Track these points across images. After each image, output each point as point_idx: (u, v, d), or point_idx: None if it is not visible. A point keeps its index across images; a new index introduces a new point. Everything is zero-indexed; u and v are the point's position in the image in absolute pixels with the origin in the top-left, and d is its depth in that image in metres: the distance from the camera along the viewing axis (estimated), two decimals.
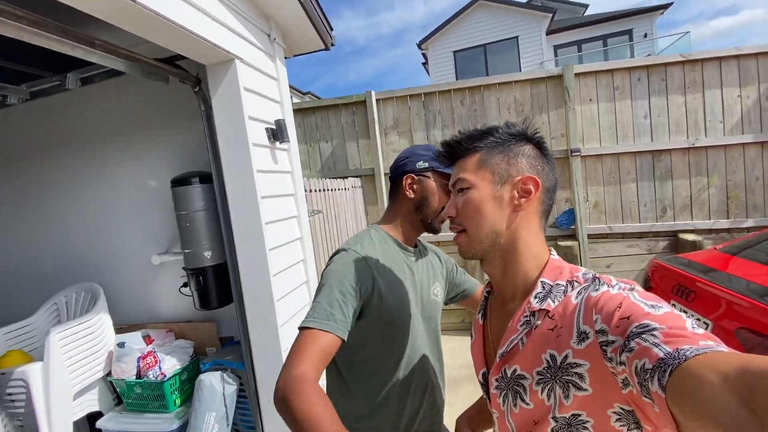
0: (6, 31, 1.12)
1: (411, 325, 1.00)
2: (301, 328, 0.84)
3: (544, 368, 0.59)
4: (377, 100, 3.84)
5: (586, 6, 15.59)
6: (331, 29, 2.59)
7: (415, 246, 1.11)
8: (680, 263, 2.16)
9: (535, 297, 0.63)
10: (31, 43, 1.24)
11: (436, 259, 1.18)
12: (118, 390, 2.28)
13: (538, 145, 0.70)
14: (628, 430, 0.55)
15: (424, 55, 13.88)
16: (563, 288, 0.62)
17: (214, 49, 1.74)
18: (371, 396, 0.98)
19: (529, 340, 0.62)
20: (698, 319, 1.79)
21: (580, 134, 3.55)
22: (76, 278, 2.53)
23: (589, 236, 3.61)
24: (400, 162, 1.08)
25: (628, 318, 0.49)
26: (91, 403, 2.23)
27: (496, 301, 0.76)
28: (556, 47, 12.78)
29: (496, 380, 0.68)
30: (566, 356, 0.56)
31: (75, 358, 2.10)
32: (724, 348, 0.41)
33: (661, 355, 0.42)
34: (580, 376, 0.55)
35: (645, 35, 12.23)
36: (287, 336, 2.02)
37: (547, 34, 12.31)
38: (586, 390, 0.54)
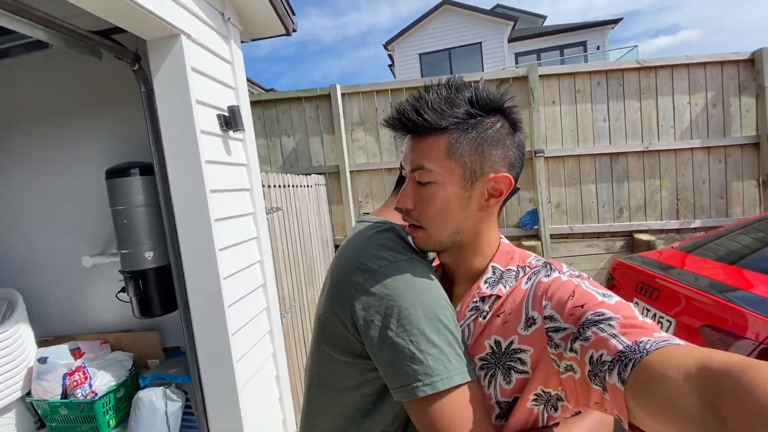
0: None
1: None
2: (432, 395, 0.54)
3: (487, 354, 0.57)
4: (343, 95, 3.69)
5: (544, 17, 16.30)
6: (293, 14, 2.43)
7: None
8: (642, 262, 2.19)
9: (485, 282, 0.61)
10: None
11: None
12: (39, 412, 1.97)
13: (512, 122, 0.61)
14: (537, 410, 0.55)
15: (390, 56, 13.88)
16: (514, 273, 0.61)
17: (156, 22, 1.53)
18: None
19: (476, 327, 0.60)
20: (662, 317, 1.80)
21: (543, 136, 3.60)
22: None
23: (552, 236, 3.66)
24: None
25: (582, 306, 0.48)
26: (7, 428, 1.92)
27: (444, 284, 0.66)
28: (517, 54, 13.23)
29: None
30: (511, 342, 0.55)
31: None
32: (678, 341, 0.41)
33: (621, 347, 0.42)
34: (522, 362, 0.54)
35: (598, 47, 12.95)
36: (240, 345, 1.83)
37: (509, 41, 12.71)
38: (527, 372, 0.54)
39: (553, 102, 3.59)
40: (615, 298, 0.49)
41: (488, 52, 12.54)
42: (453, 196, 0.59)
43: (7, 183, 2.21)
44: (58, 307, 2.24)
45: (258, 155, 3.88)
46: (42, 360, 1.92)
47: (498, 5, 15.93)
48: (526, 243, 3.63)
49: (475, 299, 0.61)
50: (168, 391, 1.90)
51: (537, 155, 3.55)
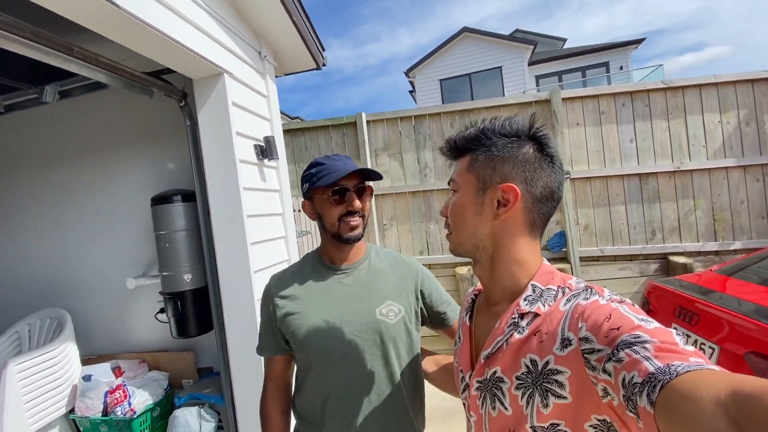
0: None
1: (327, 339, 0.95)
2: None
3: (523, 373, 0.58)
4: (368, 122, 3.82)
5: (564, 40, 16.40)
6: (323, 49, 2.58)
7: (348, 264, 1.05)
8: (679, 285, 2.11)
9: (525, 300, 0.63)
10: (2, 48, 1.16)
11: (396, 277, 1.05)
12: (81, 429, 2.05)
13: (540, 144, 0.65)
14: None
15: (411, 83, 14.24)
16: (554, 293, 0.61)
17: (202, 62, 1.68)
18: (302, 408, 1.04)
19: (512, 342, 0.61)
20: (703, 344, 1.73)
21: (568, 157, 3.59)
22: (42, 303, 2.34)
23: (581, 258, 3.58)
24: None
25: (618, 328, 0.48)
26: None
27: (484, 303, 0.75)
28: (538, 77, 13.29)
29: (478, 382, 0.66)
30: (547, 362, 0.55)
31: (34, 393, 1.90)
32: (714, 367, 0.40)
33: (652, 369, 0.41)
34: (560, 384, 0.54)
35: (621, 67, 12.84)
36: None
37: (529, 64, 12.82)
38: (565, 398, 0.53)
39: (578, 124, 3.59)
40: (654, 324, 0.48)
41: (509, 75, 12.68)
42: (468, 202, 0.67)
43: (59, 210, 2.40)
44: (101, 326, 2.36)
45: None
46: (86, 378, 2.02)
47: (517, 30, 16.20)
48: (554, 266, 3.55)
49: (514, 315, 0.62)
50: (202, 411, 1.95)
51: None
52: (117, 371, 2.14)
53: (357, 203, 0.98)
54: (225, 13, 1.85)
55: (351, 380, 0.95)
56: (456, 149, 0.70)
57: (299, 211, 2.53)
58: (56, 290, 2.37)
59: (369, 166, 3.76)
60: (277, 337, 1.02)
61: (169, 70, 1.84)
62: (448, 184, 0.73)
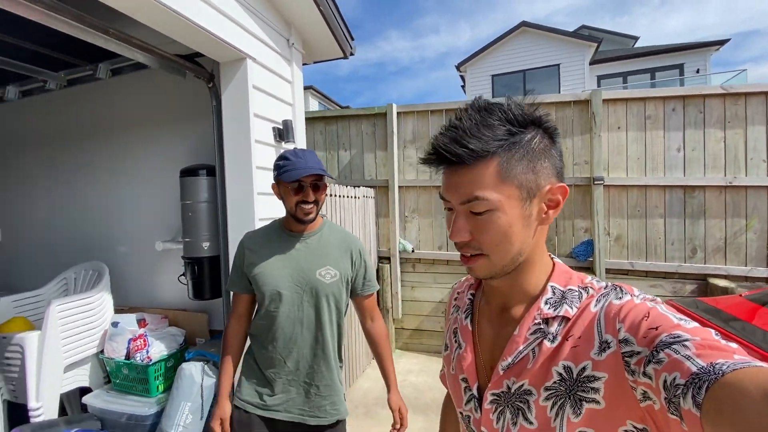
0: (22, 12, 1.22)
1: (278, 286, 1.28)
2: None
3: (555, 382, 0.53)
4: (398, 113, 3.85)
5: (635, 38, 15.17)
6: (352, 38, 2.65)
7: (302, 233, 1.35)
8: (697, 307, 1.97)
9: (546, 303, 0.57)
10: (49, 26, 1.34)
11: (339, 251, 1.36)
12: (107, 368, 2.34)
13: (549, 132, 0.58)
14: None
15: (462, 77, 13.94)
16: (577, 293, 0.57)
17: (226, 48, 1.82)
18: (255, 333, 1.36)
19: (542, 351, 0.55)
20: None
21: (605, 162, 3.39)
22: (88, 256, 2.66)
23: (608, 271, 3.39)
24: None
25: (656, 328, 0.45)
26: (81, 377, 2.30)
27: (489, 306, 0.67)
28: (600, 77, 12.44)
29: (494, 395, 0.59)
30: (584, 368, 0.51)
31: (71, 331, 2.19)
32: (762, 363, 0.38)
33: (695, 369, 0.39)
34: (596, 390, 0.49)
35: (698, 71, 11.68)
36: None
37: (591, 63, 12.03)
38: (598, 403, 0.49)
39: (619, 127, 3.37)
40: (692, 323, 0.46)
41: (567, 74, 12.00)
42: (515, 218, 0.55)
43: (101, 179, 2.71)
44: (133, 281, 2.65)
45: None
46: (115, 324, 2.28)
47: (583, 26, 15.23)
48: None
49: (536, 321, 0.57)
50: (206, 367, 2.13)
51: (596, 182, 3.35)
52: (142, 323, 2.40)
53: (311, 196, 1.27)
54: (255, 0, 1.97)
55: (291, 315, 1.30)
56: (465, 155, 0.54)
57: None
58: (98, 246, 2.69)
59: (396, 158, 3.80)
60: (243, 278, 1.35)
61: (201, 54, 2.01)
62: (459, 203, 0.57)
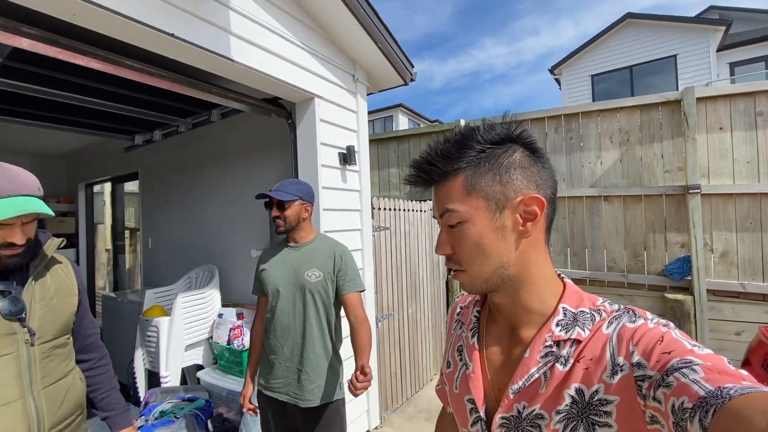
0: (156, 83, 1.74)
1: (277, 285, 1.62)
2: None
3: (567, 405, 0.52)
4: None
5: None
6: (412, 66, 2.89)
7: (297, 243, 1.69)
8: None
9: (557, 324, 0.57)
10: (170, 90, 1.87)
11: (325, 255, 1.65)
12: (214, 351, 2.91)
13: (529, 147, 0.59)
14: None
15: (557, 80, 13.10)
16: (589, 315, 0.56)
17: (298, 91, 2.22)
18: (266, 326, 1.70)
19: (554, 374, 0.54)
20: None
21: (703, 168, 2.99)
22: (204, 260, 3.35)
23: (713, 293, 2.94)
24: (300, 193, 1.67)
25: (669, 353, 0.46)
26: (197, 356, 2.91)
27: (497, 326, 0.65)
28: (733, 65, 10.53)
29: (504, 419, 0.58)
30: (596, 391, 0.51)
31: (190, 318, 2.80)
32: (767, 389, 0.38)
33: (702, 393, 0.39)
34: (608, 414, 0.50)
35: None
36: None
37: (720, 50, 10.26)
38: (611, 427, 0.50)
39: (720, 128, 2.95)
40: (706, 350, 0.46)
41: (686, 65, 10.42)
42: (484, 229, 0.57)
43: (212, 201, 3.39)
44: (235, 282, 3.24)
45: (390, 183, 4.49)
46: (220, 315, 2.85)
47: (711, 7, 13.05)
48: (670, 296, 3.03)
49: (548, 343, 0.56)
50: None
51: (691, 191, 2.97)
52: (240, 316, 2.94)
53: (274, 212, 1.62)
54: (321, 47, 2.35)
55: (287, 309, 1.62)
56: (437, 174, 0.59)
57: (379, 209, 2.91)
58: (210, 253, 3.37)
59: None
60: (259, 282, 1.73)
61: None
62: (438, 217, 0.61)
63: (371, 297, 2.73)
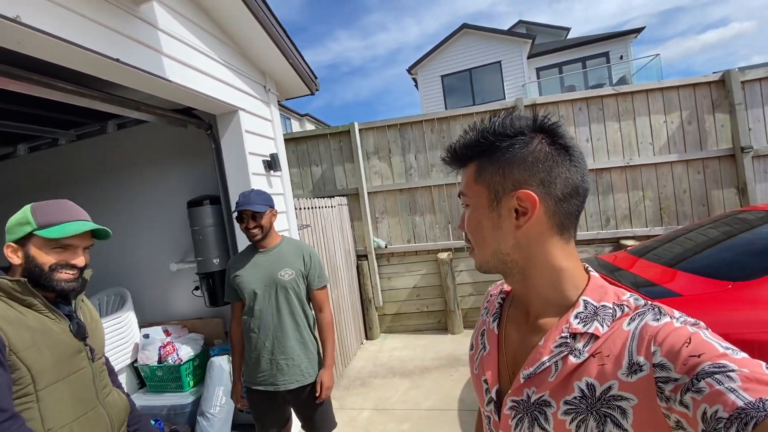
0: (58, 97, 1.65)
1: (253, 287, 1.81)
2: None
3: (575, 398, 0.53)
4: (360, 130, 4.44)
5: (567, 30, 16.54)
6: (315, 77, 3.20)
7: (266, 248, 1.89)
8: (597, 264, 2.68)
9: (576, 317, 0.56)
10: (76, 104, 1.79)
11: (294, 255, 1.87)
12: (142, 374, 2.77)
13: (552, 136, 0.57)
14: None
15: (414, 79, 14.71)
16: (611, 311, 0.55)
17: (221, 105, 2.33)
18: (245, 327, 1.87)
19: (565, 365, 0.55)
20: None
21: None
22: (109, 283, 3.05)
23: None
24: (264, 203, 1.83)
25: (699, 356, 0.44)
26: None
27: (517, 312, 0.67)
28: (538, 69, 13.61)
29: (514, 401, 0.60)
30: (609, 387, 0.50)
31: (107, 347, 2.61)
32: None
33: (741, 404, 0.38)
34: (623, 412, 0.49)
35: (621, 57, 13.06)
36: None
37: (529, 57, 13.14)
38: (626, 430, 0.49)
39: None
40: (741, 354, 0.44)
41: (508, 69, 13.03)
42: (482, 217, 0.60)
43: (119, 211, 3.11)
44: (152, 300, 3.07)
45: (292, 182, 4.70)
46: (146, 336, 2.73)
47: (520, 21, 16.43)
48: None
49: (563, 334, 0.56)
50: (230, 357, 2.63)
51: None
52: (166, 333, 2.85)
53: (251, 224, 1.80)
54: (237, 61, 2.48)
55: (265, 307, 1.82)
56: (458, 158, 0.63)
57: (300, 209, 3.18)
58: (119, 273, 3.09)
59: (362, 168, 4.38)
60: (233, 290, 1.88)
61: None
62: (459, 196, 0.66)
63: None
